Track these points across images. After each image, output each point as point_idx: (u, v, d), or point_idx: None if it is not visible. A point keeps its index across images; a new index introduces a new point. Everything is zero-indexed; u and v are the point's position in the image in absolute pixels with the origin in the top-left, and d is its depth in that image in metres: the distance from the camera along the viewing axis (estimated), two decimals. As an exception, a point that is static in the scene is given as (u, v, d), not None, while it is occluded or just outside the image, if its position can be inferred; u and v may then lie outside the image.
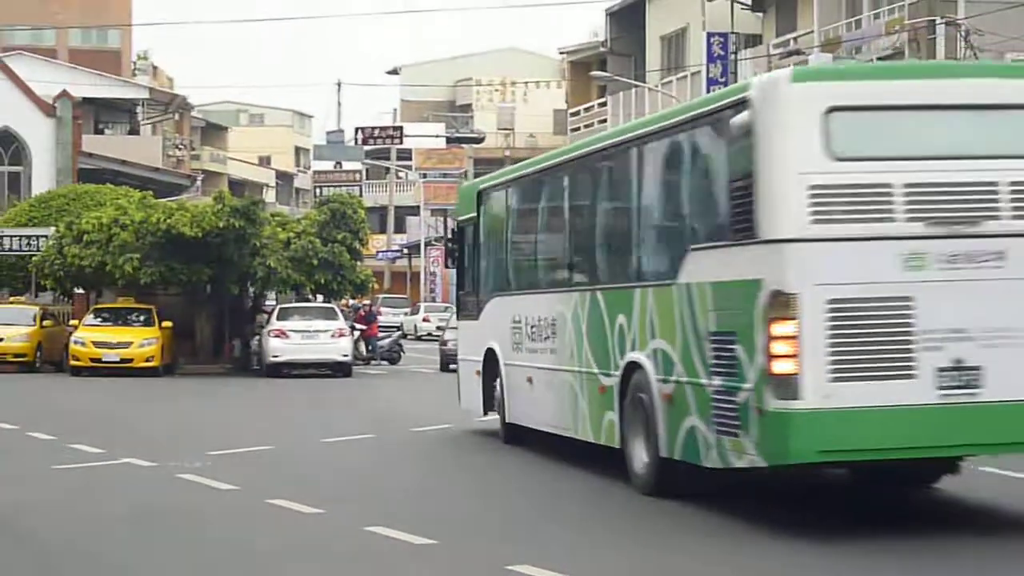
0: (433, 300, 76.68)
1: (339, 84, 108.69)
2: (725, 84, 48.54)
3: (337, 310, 42.07)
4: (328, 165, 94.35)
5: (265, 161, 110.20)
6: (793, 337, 12.42)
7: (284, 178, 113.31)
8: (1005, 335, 12.62)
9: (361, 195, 63.76)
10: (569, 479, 17.06)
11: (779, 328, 12.48)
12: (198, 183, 70.88)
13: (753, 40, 50.32)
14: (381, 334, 47.17)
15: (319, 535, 13.15)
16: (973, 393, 12.50)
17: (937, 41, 36.77)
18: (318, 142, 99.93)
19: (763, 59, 48.13)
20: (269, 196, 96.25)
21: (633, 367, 15.33)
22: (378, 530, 12.95)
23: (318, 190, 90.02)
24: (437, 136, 73.35)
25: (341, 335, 39.71)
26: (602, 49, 65.25)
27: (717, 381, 13.41)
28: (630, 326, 15.44)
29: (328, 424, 24.19)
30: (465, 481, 17.30)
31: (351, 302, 50.52)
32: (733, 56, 48.89)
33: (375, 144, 77.01)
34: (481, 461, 19.35)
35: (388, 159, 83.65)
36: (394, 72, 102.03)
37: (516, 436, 20.21)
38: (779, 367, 12.43)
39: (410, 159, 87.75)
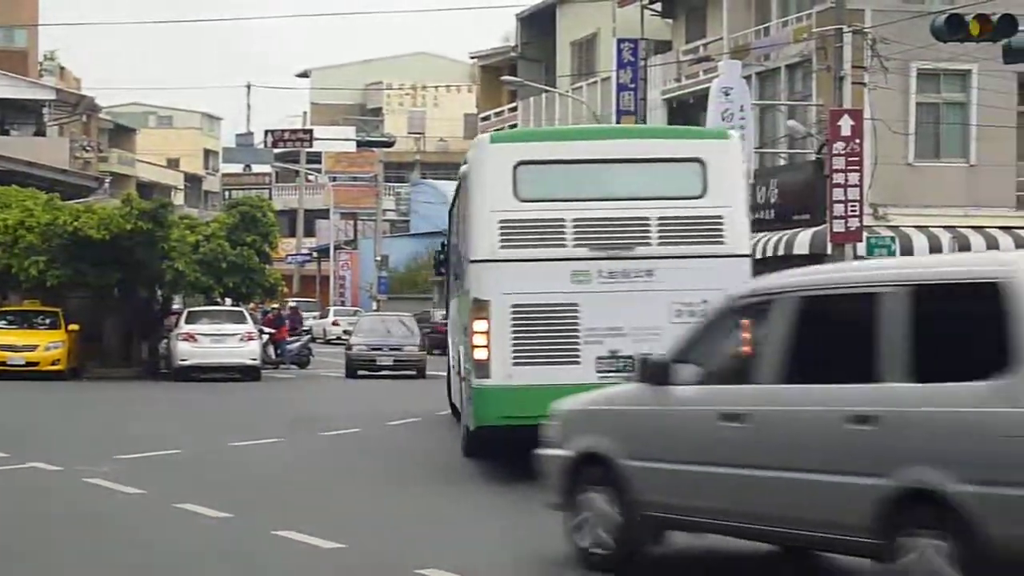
0: (343, 304, 76.49)
1: (249, 86, 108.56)
2: (635, 90, 48.84)
3: (246, 313, 41.90)
4: (237, 168, 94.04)
5: (174, 164, 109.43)
6: (486, 332, 16.78)
7: (193, 181, 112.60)
8: (651, 332, 16.32)
9: (271, 198, 63.47)
10: (482, 479, 17.12)
11: (477, 326, 16.90)
12: (106, 185, 70.19)
13: (663, 46, 50.57)
14: (290, 338, 47.02)
15: (226, 539, 13.12)
16: (627, 376, 14.92)
17: (844, 49, 37.09)
18: (227, 145, 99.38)
19: (673, 65, 48.43)
20: (178, 199, 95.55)
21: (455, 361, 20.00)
22: (286, 534, 12.94)
23: (227, 193, 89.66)
24: (347, 140, 73.12)
25: (250, 338, 39.56)
26: (513, 54, 65.35)
27: (464, 367, 18.04)
28: (456, 329, 19.32)
29: (237, 428, 24.10)
30: (374, 484, 17.31)
31: (275, 306, 50.28)
32: (643, 62, 49.11)
33: (285, 147, 76.54)
34: (391, 464, 19.35)
35: (298, 162, 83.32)
36: (304, 75, 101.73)
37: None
38: (477, 355, 16.90)
39: (320, 162, 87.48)
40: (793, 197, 38.63)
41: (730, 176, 17.39)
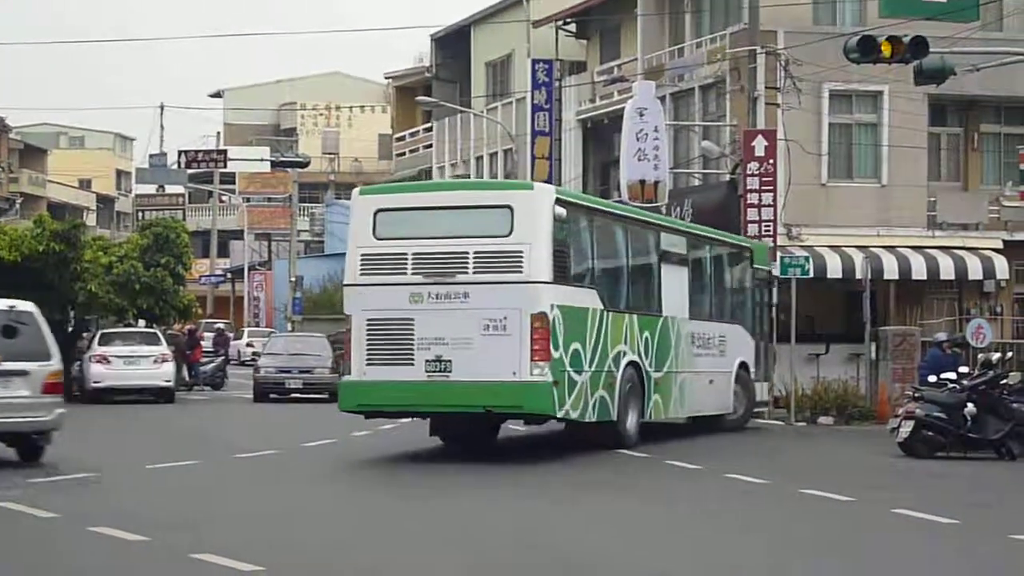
0: (257, 325, 76.10)
1: (162, 107, 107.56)
2: (549, 111, 48.95)
3: (160, 335, 41.58)
4: (151, 188, 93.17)
5: (86, 184, 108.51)
6: (349, 340, 22.08)
7: (105, 202, 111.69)
8: (466, 342, 21.24)
9: (184, 219, 63.15)
10: (400, 498, 17.08)
11: (347, 336, 22.20)
12: (16, 206, 69.55)
13: (578, 67, 50.77)
14: (204, 359, 46.69)
15: (143, 563, 12.98)
16: (447, 376, 21.35)
17: (757, 70, 37.40)
18: (140, 165, 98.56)
19: (587, 86, 48.60)
20: (90, 220, 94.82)
21: None
22: (205, 557, 12.82)
23: (140, 214, 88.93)
24: (261, 160, 72.71)
25: (164, 360, 39.27)
26: (428, 74, 65.37)
27: None
28: None
29: (152, 450, 23.90)
30: (293, 506, 17.21)
31: (190, 327, 49.89)
32: (558, 83, 49.27)
33: (198, 167, 75.94)
34: (308, 486, 19.26)
35: (211, 183, 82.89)
36: (217, 95, 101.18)
37: None
38: (345, 357, 22.30)
39: (234, 183, 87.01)
40: (707, 217, 38.76)
41: (533, 219, 21.44)
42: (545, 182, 48.12)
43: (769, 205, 35.34)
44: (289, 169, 73.90)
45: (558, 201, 21.94)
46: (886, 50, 24.61)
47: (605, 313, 23.25)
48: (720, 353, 28.58)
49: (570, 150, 49.24)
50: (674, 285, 26.30)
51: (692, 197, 40.44)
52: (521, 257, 21.24)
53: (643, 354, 24.70)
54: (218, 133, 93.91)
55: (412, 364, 21.41)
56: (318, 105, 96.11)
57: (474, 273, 21.36)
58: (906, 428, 24.32)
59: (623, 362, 23.78)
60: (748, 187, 35.49)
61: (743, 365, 29.54)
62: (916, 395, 24.92)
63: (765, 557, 13.44)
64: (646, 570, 12.63)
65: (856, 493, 18.19)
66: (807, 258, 33.76)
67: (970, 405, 24.29)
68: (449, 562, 12.94)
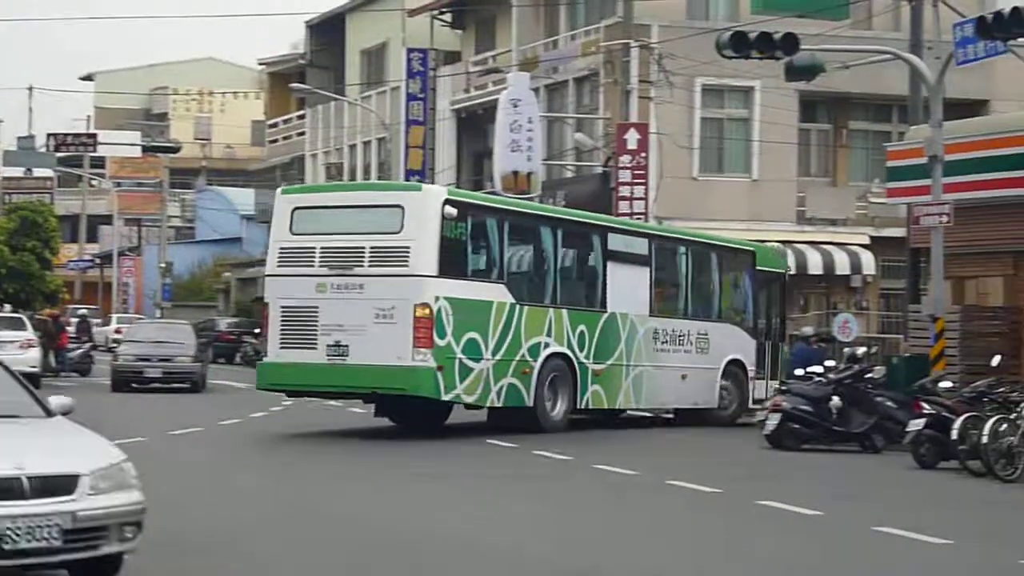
0: (126, 311, 75.21)
1: (30, 88, 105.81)
2: (424, 100, 48.88)
3: (25, 320, 40.92)
4: (18, 172, 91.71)
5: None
6: (265, 324, 24.42)
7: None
8: (360, 329, 23.11)
9: (52, 203, 62.17)
10: (273, 486, 16.99)
11: (265, 321, 24.58)
12: None
13: (453, 57, 50.76)
14: (70, 345, 46.07)
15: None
16: (344, 359, 23.30)
17: (631, 64, 37.61)
18: (8, 148, 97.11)
19: (462, 76, 48.59)
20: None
21: None
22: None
23: (7, 197, 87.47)
24: (132, 144, 71.82)
25: (29, 346, 38.65)
26: (302, 61, 64.98)
27: None
28: None
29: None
30: (162, 496, 17.01)
31: (54, 312, 49.12)
32: (433, 72, 49.22)
33: (68, 151, 75.01)
34: (181, 474, 19.08)
35: (81, 167, 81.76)
36: (88, 78, 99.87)
37: None
38: (263, 340, 25.09)
39: (104, 167, 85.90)
40: (580, 209, 38.94)
41: (420, 218, 23.20)
42: (418, 172, 48.12)
43: (641, 198, 35.56)
44: (160, 154, 73.27)
45: (450, 202, 23.56)
46: (757, 46, 24.81)
47: (517, 307, 24.66)
48: (700, 350, 29.08)
49: (444, 139, 49.22)
50: (625, 284, 27.23)
51: (565, 189, 40.58)
52: (408, 252, 23.07)
53: (576, 347, 25.90)
54: (88, 117, 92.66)
55: (316, 348, 23.50)
56: (190, 90, 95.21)
57: (369, 266, 23.26)
58: (773, 421, 24.57)
59: (544, 353, 25.15)
60: (620, 179, 35.70)
61: (736, 362, 29.80)
62: (783, 388, 25.19)
63: (619, 547, 13.52)
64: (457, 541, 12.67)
65: (723, 484, 18.35)
66: (678, 251, 33.93)
67: (836, 398, 24.59)
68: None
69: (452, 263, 23.32)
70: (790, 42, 25.03)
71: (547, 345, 25.20)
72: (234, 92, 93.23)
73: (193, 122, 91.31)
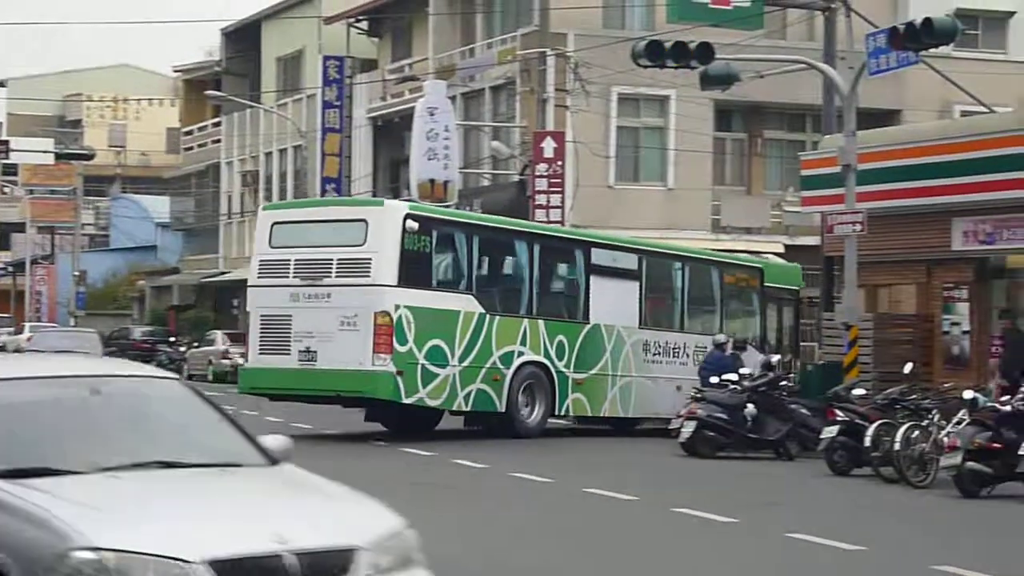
0: (39, 320, 74.46)
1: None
2: (340, 108, 48.74)
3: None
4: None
5: None
6: (248, 333, 26.21)
7: None
8: (328, 336, 24.59)
9: (-37, 211, 61.55)
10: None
11: (248, 328, 26.44)
12: None
13: (369, 65, 50.64)
14: (-17, 355, 45.55)
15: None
16: (313, 364, 24.78)
17: (547, 72, 37.68)
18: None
19: (378, 84, 48.50)
20: None
21: None
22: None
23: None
24: (45, 152, 71.29)
25: (-60, 355, 38.25)
26: (217, 69, 64.64)
27: None
28: None
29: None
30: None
31: None
32: (349, 80, 49.09)
33: (-21, 158, 74.44)
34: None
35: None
36: (0, 84, 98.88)
37: None
38: (245, 348, 27.15)
39: (16, 174, 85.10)
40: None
41: (381, 231, 24.49)
42: (334, 180, 48.01)
43: (557, 206, 35.62)
44: (74, 161, 72.64)
45: (412, 217, 24.93)
46: (673, 55, 24.93)
47: (487, 316, 25.97)
48: (697, 362, 29.33)
49: (361, 147, 49.10)
50: (611, 297, 28.24)
51: (482, 197, 40.59)
52: (369, 264, 24.47)
53: (554, 355, 27.07)
54: (0, 123, 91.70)
55: (289, 354, 25.01)
56: (105, 97, 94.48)
57: (336, 277, 24.64)
58: (688, 428, 24.67)
59: (517, 361, 26.34)
60: (537, 188, 35.75)
61: None
62: (698, 396, 25.30)
63: (527, 551, 13.52)
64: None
65: (638, 492, 18.39)
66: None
67: (750, 406, 24.73)
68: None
69: (414, 274, 24.75)
70: (705, 51, 25.17)
71: (521, 354, 26.42)
72: (149, 99, 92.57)
73: (107, 129, 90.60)
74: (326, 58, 49.65)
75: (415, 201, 30.13)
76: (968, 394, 20.45)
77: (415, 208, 26.17)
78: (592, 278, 27.98)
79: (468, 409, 25.96)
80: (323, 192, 48.62)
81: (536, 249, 27.26)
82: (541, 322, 26.88)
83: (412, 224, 24.65)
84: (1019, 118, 26.44)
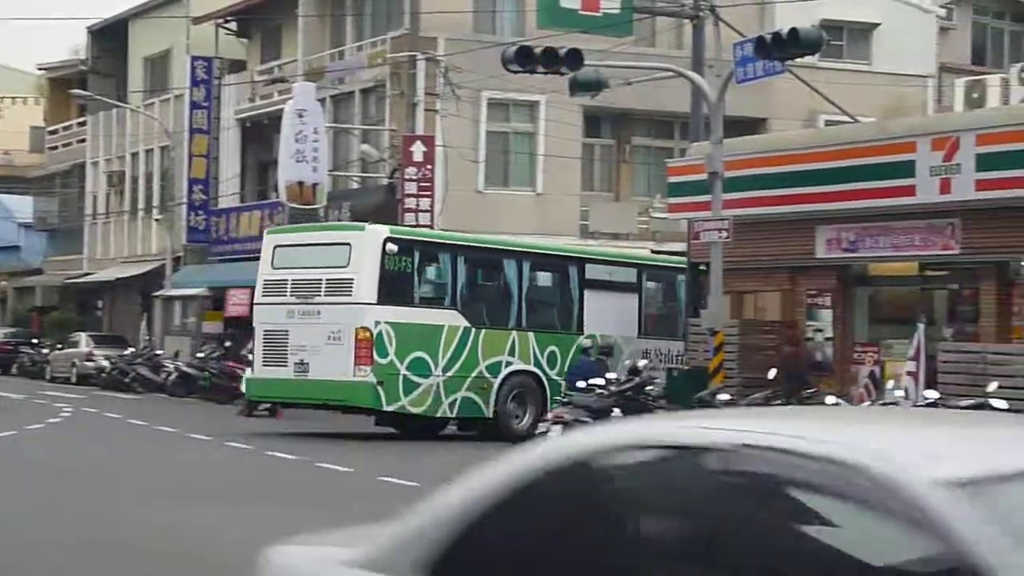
0: None
1: None
2: (208, 109, 48.35)
3: None
4: None
5: None
6: (253, 346, 28.84)
7: None
8: (317, 349, 26.95)
9: None
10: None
11: (251, 343, 29.37)
12: None
13: (238, 66, 50.29)
14: None
15: None
16: (305, 375, 27.16)
17: (417, 76, 37.66)
18: None
19: (247, 85, 48.18)
20: None
21: None
22: None
23: None
24: (-95, 149, 70.12)
25: None
26: (83, 67, 63.81)
27: None
28: None
29: None
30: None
31: None
32: (217, 81, 48.70)
33: None
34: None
35: None
36: None
37: None
38: (251, 360, 29.44)
39: None
40: (365, 220, 38.88)
41: (362, 253, 26.77)
42: (202, 181, 47.64)
43: (426, 210, 35.62)
44: (-66, 160, 71.36)
45: (392, 240, 27.16)
46: (543, 61, 25.02)
47: (472, 330, 28.01)
48: None
49: (228, 149, 48.75)
50: (608, 309, 29.94)
51: (351, 201, 40.46)
52: (352, 283, 26.72)
53: (546, 365, 28.99)
54: None
55: (286, 365, 27.43)
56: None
57: (325, 296, 26.99)
58: (555, 433, 24.73)
59: (505, 370, 28.36)
60: (406, 192, 35.71)
61: None
62: (565, 400, 25.41)
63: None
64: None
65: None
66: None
67: (617, 410, 24.87)
68: None
69: (395, 292, 27.00)
70: (574, 58, 25.30)
71: (509, 363, 28.48)
72: (12, 97, 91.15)
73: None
74: (194, 58, 49.24)
75: (391, 224, 30.77)
76: (831, 400, 20.75)
77: (396, 232, 28.32)
78: (586, 292, 29.93)
79: (453, 416, 27.94)
80: (190, 192, 48.23)
81: (524, 266, 29.37)
82: (531, 334, 28.94)
83: (392, 247, 26.98)
84: (882, 128, 26.84)
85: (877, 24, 43.30)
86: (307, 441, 26.97)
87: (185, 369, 40.66)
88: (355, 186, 42.12)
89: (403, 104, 38.21)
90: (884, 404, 20.62)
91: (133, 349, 46.83)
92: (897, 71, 42.31)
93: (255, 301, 28.83)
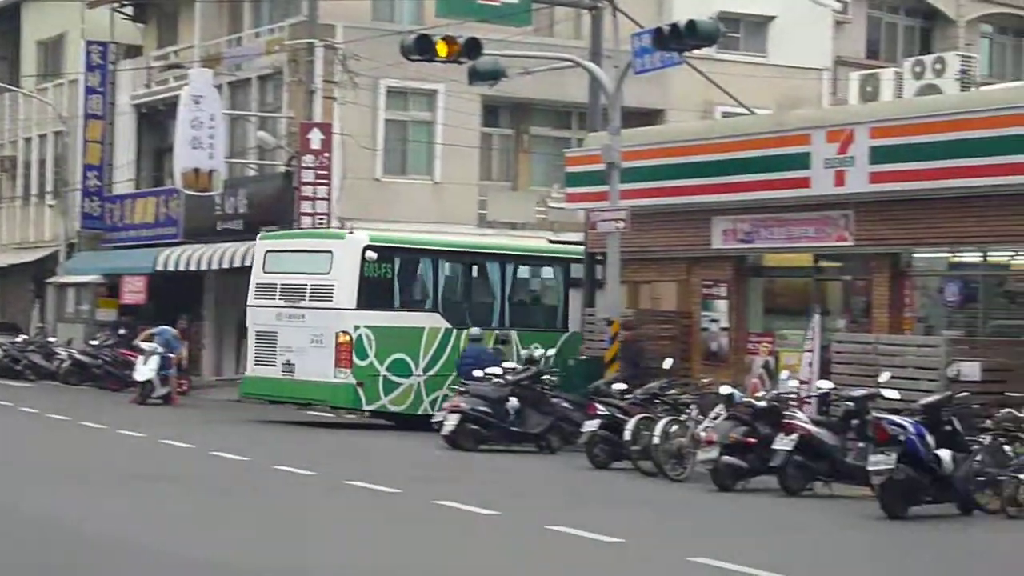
0: None
1: None
2: (104, 94, 47.85)
3: None
4: None
5: None
6: (247, 347, 30.00)
7: None
8: (303, 351, 28.38)
9: None
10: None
11: (245, 344, 30.67)
12: None
13: (134, 51, 49.75)
14: None
15: None
16: (292, 375, 28.56)
17: (315, 63, 37.46)
18: None
19: (143, 71, 47.73)
20: None
21: None
22: None
23: None
24: None
25: None
26: (-26, 50, 62.86)
27: None
28: None
29: None
30: None
31: None
32: (112, 66, 48.16)
33: None
34: None
35: None
36: None
37: None
38: (245, 359, 30.56)
39: None
40: (262, 208, 38.71)
41: (342, 261, 28.19)
42: (96, 167, 47.22)
43: (324, 198, 35.48)
44: None
45: (372, 247, 28.34)
46: (441, 49, 24.99)
47: (453, 331, 28.95)
48: None
49: (124, 135, 48.24)
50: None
51: (247, 188, 40.22)
52: (332, 289, 28.18)
53: None
54: None
55: (275, 365, 28.86)
56: None
57: (309, 300, 28.48)
58: (451, 421, 24.77)
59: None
60: (303, 179, 35.55)
61: None
62: (462, 389, 25.43)
63: (298, 548, 13.45)
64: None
65: (401, 485, 18.42)
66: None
67: (513, 399, 24.94)
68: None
69: (374, 297, 28.24)
70: (474, 46, 25.29)
71: None
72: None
73: None
74: (89, 43, 48.63)
75: (374, 232, 30.86)
76: (725, 389, 20.90)
77: (376, 239, 28.99)
78: (571, 291, 30.52)
79: (434, 412, 27.61)
80: (84, 179, 47.67)
81: (507, 267, 30.49)
82: (514, 332, 29.67)
83: (371, 254, 28.24)
84: (778, 120, 27.07)
85: (773, 17, 43.60)
86: (207, 430, 26.82)
87: (79, 357, 40.19)
88: (252, 173, 41.85)
89: (301, 91, 37.99)
90: (779, 394, 20.79)
91: (26, 336, 46.25)
92: (793, 64, 42.62)
93: (248, 303, 29.96)
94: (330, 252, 28.62)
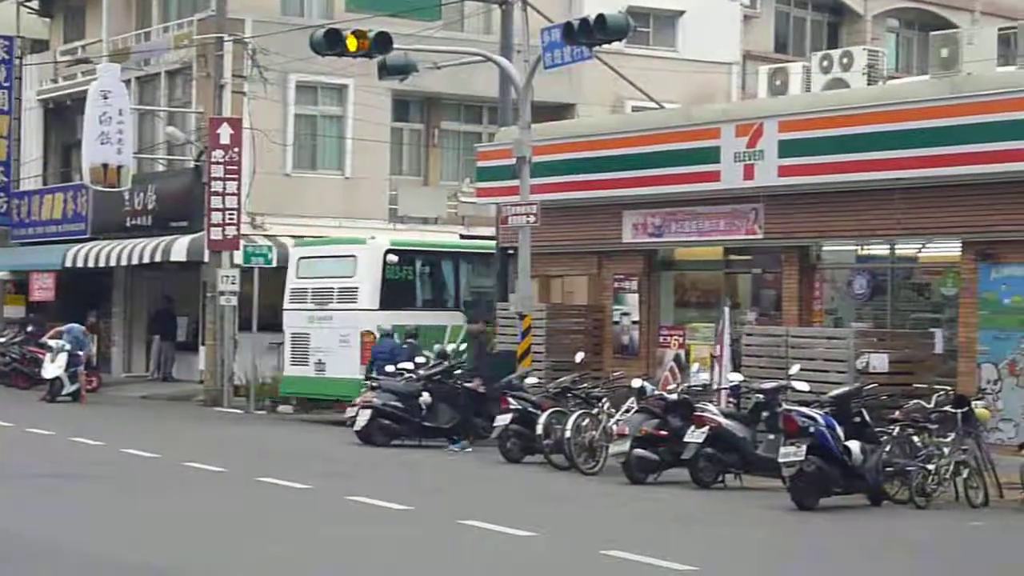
0: None
1: None
2: (9, 89, 47.33)
3: None
4: None
5: None
6: (280, 348, 32.31)
7: None
8: (332, 351, 30.12)
9: None
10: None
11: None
12: None
13: (40, 45, 49.26)
14: None
15: None
16: (323, 373, 30.25)
17: (224, 58, 37.22)
18: None
19: (50, 65, 47.25)
20: None
21: None
22: None
23: None
24: None
25: None
26: None
27: None
28: None
29: None
30: None
31: None
32: (18, 60, 47.65)
33: None
34: None
35: None
36: None
37: None
38: (283, 360, 32.13)
39: None
40: (171, 204, 38.42)
41: (365, 265, 30.17)
42: (2, 163, 46.71)
43: (233, 193, 35.22)
44: None
45: (392, 251, 30.37)
46: (351, 44, 24.88)
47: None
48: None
49: (31, 130, 47.75)
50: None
51: (156, 183, 39.92)
52: (357, 292, 30.06)
53: None
54: None
55: (308, 364, 30.74)
56: None
57: (336, 303, 30.38)
58: (363, 417, 24.73)
59: None
60: (213, 175, 35.27)
61: None
62: (374, 384, 25.37)
63: (213, 545, 13.38)
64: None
65: (313, 481, 18.36)
66: (270, 247, 33.87)
67: (425, 394, 24.92)
68: None
69: (397, 298, 30.08)
70: (384, 41, 25.23)
71: None
72: None
73: None
74: (-6, 37, 48.14)
75: (392, 235, 32.09)
76: (637, 383, 20.99)
77: (396, 243, 31.13)
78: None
79: None
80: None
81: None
82: None
83: (392, 257, 30.24)
84: (687, 114, 27.20)
85: (683, 12, 43.78)
86: (117, 428, 26.61)
87: (-15, 355, 39.76)
88: (161, 169, 41.55)
89: (210, 86, 37.70)
90: (690, 387, 20.91)
91: (-69, 334, 45.70)
92: (702, 58, 42.82)
93: (285, 307, 31.52)
94: (354, 256, 30.45)
